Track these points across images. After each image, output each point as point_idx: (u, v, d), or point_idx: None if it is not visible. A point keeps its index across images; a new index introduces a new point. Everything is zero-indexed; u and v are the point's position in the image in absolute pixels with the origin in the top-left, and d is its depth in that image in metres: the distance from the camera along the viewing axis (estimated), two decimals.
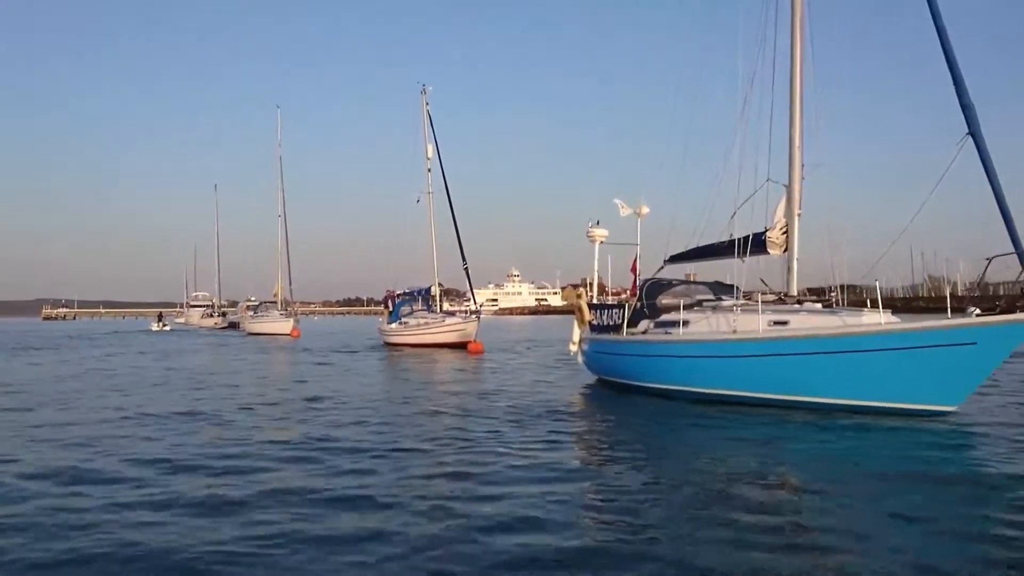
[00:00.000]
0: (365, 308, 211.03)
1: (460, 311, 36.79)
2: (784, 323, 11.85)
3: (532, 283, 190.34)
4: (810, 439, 9.52)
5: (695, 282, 14.93)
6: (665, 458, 8.68)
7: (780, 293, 13.19)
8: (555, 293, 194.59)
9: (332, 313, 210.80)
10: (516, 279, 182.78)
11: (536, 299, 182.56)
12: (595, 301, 16.72)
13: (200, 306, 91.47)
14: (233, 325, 68.15)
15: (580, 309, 15.99)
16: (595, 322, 15.84)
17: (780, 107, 13.21)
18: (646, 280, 15.11)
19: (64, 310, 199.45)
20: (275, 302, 57.19)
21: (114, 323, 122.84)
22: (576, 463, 8.25)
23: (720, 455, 8.53)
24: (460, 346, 30.09)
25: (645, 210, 16.67)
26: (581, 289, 16.43)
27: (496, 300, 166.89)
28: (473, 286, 32.84)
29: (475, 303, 32.09)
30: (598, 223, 16.85)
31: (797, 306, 12.63)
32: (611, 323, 15.11)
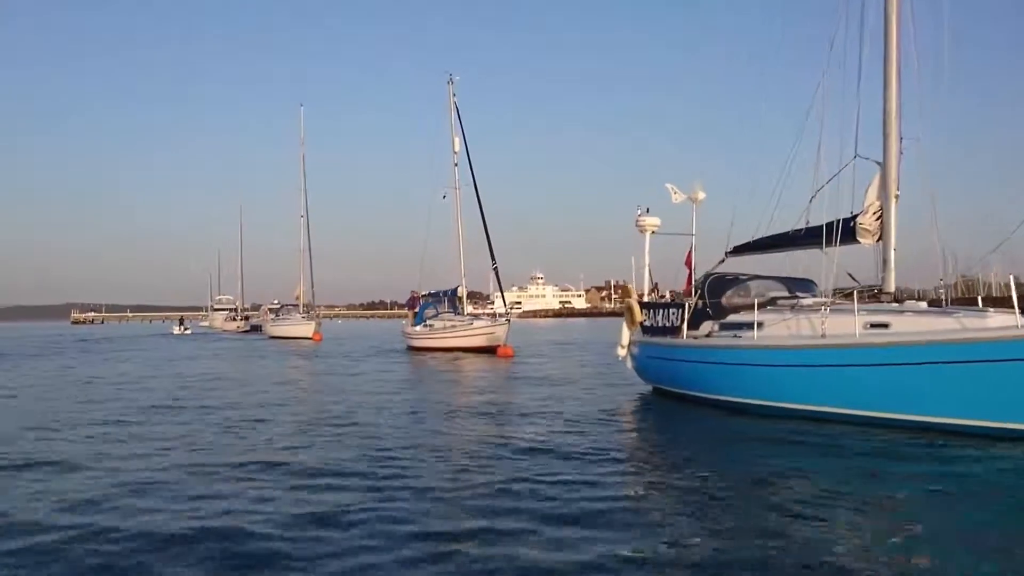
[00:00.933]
0: (388, 311, 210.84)
1: (484, 313, 34.88)
2: (884, 326, 9.87)
3: (556, 285, 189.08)
4: (927, 468, 7.57)
5: (766, 277, 12.94)
6: (742, 487, 6.81)
7: (873, 289, 11.21)
8: (579, 295, 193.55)
9: (356, 316, 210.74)
10: (540, 281, 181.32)
11: (560, 302, 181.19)
12: (647, 299, 14.77)
13: (223, 310, 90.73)
14: (256, 328, 66.97)
15: (630, 309, 14.08)
16: (648, 323, 13.92)
17: (870, 72, 11.25)
18: (707, 275, 13.17)
19: (92, 314, 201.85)
20: (297, 305, 55.83)
21: (140, 327, 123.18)
22: (641, 497, 6.40)
23: (813, 488, 6.65)
24: (488, 350, 28.28)
25: (701, 195, 14.72)
26: (631, 286, 14.50)
27: (520, 303, 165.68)
28: (502, 288, 30.97)
29: (504, 305, 30.29)
30: (648, 211, 14.91)
31: (896, 305, 10.65)
32: (667, 324, 13.19)
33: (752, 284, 12.66)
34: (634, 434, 10.39)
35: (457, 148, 32.55)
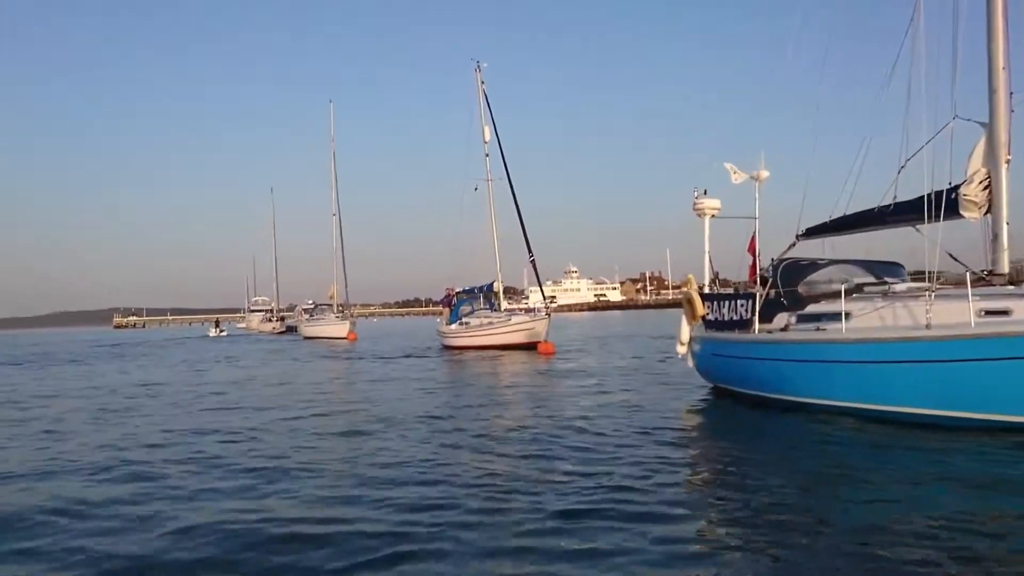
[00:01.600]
0: (423, 308, 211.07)
1: (519, 309, 33.52)
2: (1003, 312, 8.35)
3: (590, 279, 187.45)
4: None
5: (847, 261, 11.41)
6: (843, 509, 5.40)
7: (983, 271, 9.66)
8: (614, 288, 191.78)
9: (391, 314, 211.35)
10: (574, 275, 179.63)
11: (595, 295, 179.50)
12: (708, 290, 13.31)
13: (260, 311, 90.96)
14: (291, 329, 66.64)
15: (691, 301, 12.64)
16: (711, 317, 12.48)
17: (972, 14, 9.66)
18: (780, 261, 11.67)
19: (134, 318, 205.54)
20: (331, 304, 55.19)
21: (179, 330, 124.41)
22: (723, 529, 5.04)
23: (935, 511, 5.23)
24: (528, 347, 26.99)
25: (764, 174, 13.20)
26: (690, 275, 13.06)
27: (554, 297, 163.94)
28: (540, 280, 29.62)
29: (544, 298, 28.93)
30: (705, 192, 13.48)
31: (1013, 288, 9.10)
32: (734, 318, 11.74)
33: (832, 269, 11.14)
34: (708, 444, 8.98)
35: (488, 138, 31.29)
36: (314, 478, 7.59)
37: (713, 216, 13.40)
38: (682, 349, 13.24)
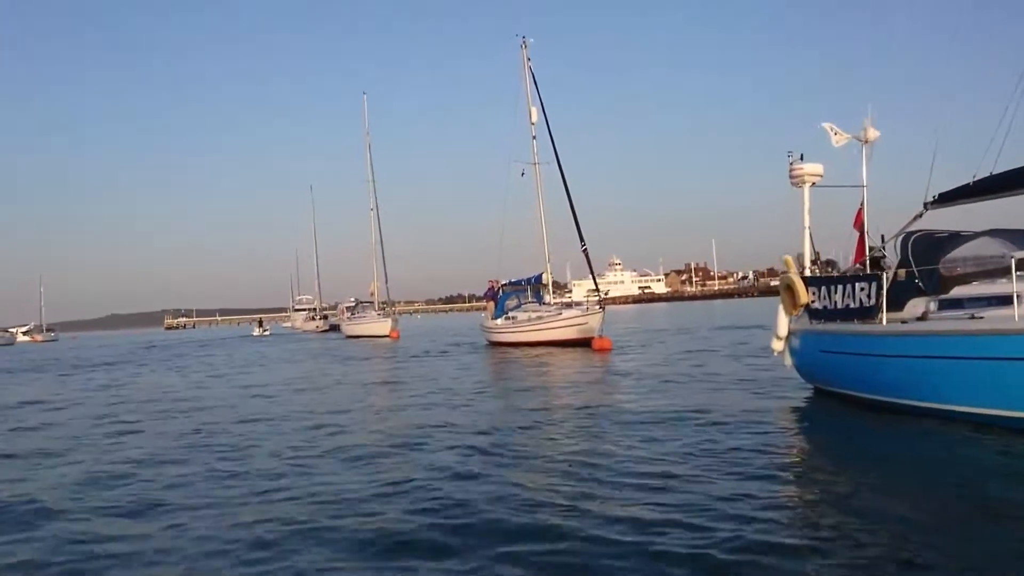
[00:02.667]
0: (466, 304, 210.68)
1: (565, 302, 31.25)
2: None
3: (634, 271, 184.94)
4: None
5: (996, 232, 9.10)
6: None
7: None
8: (658, 280, 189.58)
9: (435, 311, 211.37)
10: (618, 267, 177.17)
11: (639, 287, 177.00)
12: (811, 273, 11.06)
13: (303, 310, 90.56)
14: (335, 328, 65.68)
15: (791, 286, 10.45)
16: (817, 305, 10.28)
17: None
18: (908, 235, 9.43)
19: (184, 319, 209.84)
20: (372, 302, 53.83)
21: (226, 330, 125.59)
22: None
23: None
24: (581, 343, 24.90)
25: (873, 134, 10.94)
26: (788, 256, 10.85)
27: (608, 290, 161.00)
28: (593, 272, 27.42)
29: (598, 291, 26.79)
30: (802, 157, 11.24)
31: None
32: (850, 305, 9.53)
33: (982, 243, 8.86)
34: (832, 475, 6.83)
35: (535, 119, 29.17)
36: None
37: (814, 184, 11.16)
38: (779, 345, 11.05)
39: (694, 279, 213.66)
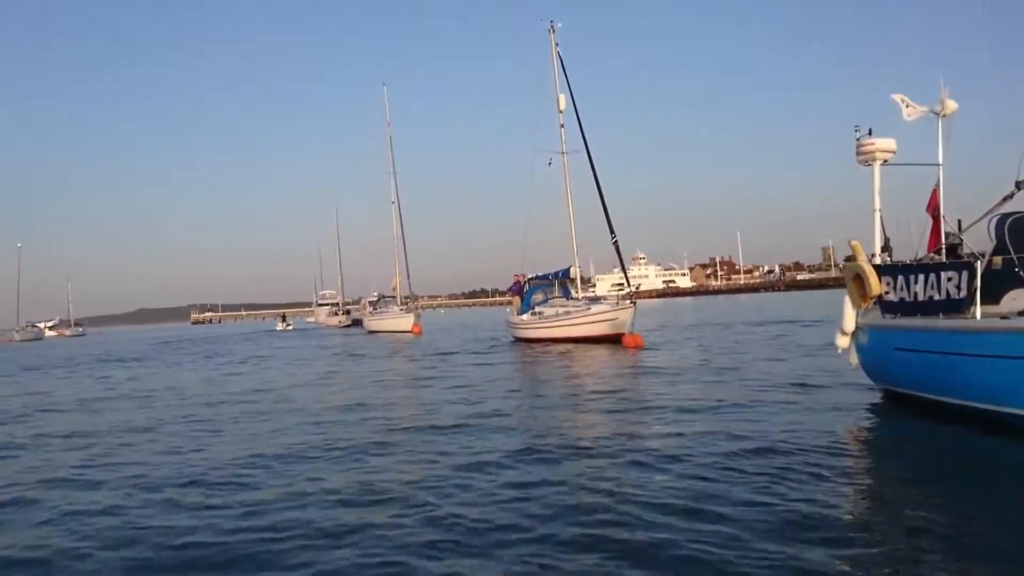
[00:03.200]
0: (489, 299, 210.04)
1: (587, 298, 29.93)
2: None
3: (658, 265, 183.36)
4: None
5: None
6: None
7: None
8: (683, 274, 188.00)
9: (458, 306, 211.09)
10: (642, 261, 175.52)
11: (664, 281, 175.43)
12: (880, 261, 9.83)
13: (326, 304, 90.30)
14: (356, 323, 65.08)
15: (862, 274, 9.23)
16: (892, 297, 9.08)
17: None
18: (1003, 218, 8.20)
19: (209, 315, 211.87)
20: (394, 297, 53.01)
21: (251, 325, 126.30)
22: None
23: None
24: (612, 339, 23.75)
25: (951, 105, 9.69)
26: (856, 242, 9.62)
27: (622, 285, 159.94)
28: (624, 264, 26.17)
29: (629, 285, 25.59)
30: (870, 132, 10.00)
31: None
32: (934, 297, 8.32)
33: None
34: (921, 497, 5.69)
35: (563, 106, 27.96)
36: None
37: (885, 162, 9.92)
38: (844, 341, 9.85)
39: (719, 273, 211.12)
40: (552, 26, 28.22)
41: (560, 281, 28.92)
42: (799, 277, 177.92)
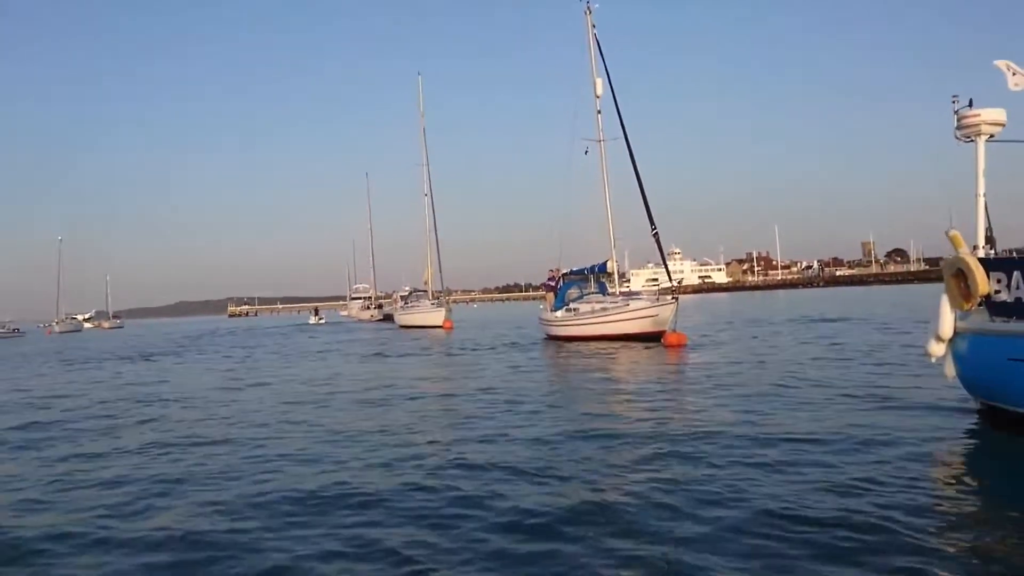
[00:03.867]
0: (523, 294, 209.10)
1: (624, 294, 28.35)
2: None
3: (694, 260, 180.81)
4: None
5: None
6: None
7: None
8: (719, 270, 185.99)
9: (492, 300, 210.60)
10: (677, 256, 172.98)
11: (699, 276, 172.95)
12: (984, 254, 8.28)
13: (359, 298, 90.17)
14: (388, 317, 64.40)
15: (965, 270, 7.71)
16: (1004, 297, 7.56)
17: None
18: None
19: (246, 307, 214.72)
20: (425, 291, 52.01)
21: (287, 318, 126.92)
22: None
23: None
24: (651, 337, 22.31)
25: None
26: (955, 231, 8.09)
27: (656, 280, 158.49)
28: (665, 257, 24.60)
29: (670, 279, 24.06)
30: (971, 104, 8.44)
31: None
32: None
33: None
34: None
35: (600, 92, 26.42)
36: None
37: (991, 137, 8.36)
38: (939, 348, 8.33)
39: (756, 268, 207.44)
40: (588, 7, 26.72)
41: (596, 276, 27.45)
42: (838, 273, 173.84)
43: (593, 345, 22.69)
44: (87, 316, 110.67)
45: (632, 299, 24.63)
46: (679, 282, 24.51)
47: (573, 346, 23.26)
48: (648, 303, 23.28)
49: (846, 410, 9.27)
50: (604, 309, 24.51)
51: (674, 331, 21.29)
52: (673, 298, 22.37)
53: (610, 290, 27.22)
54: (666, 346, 20.71)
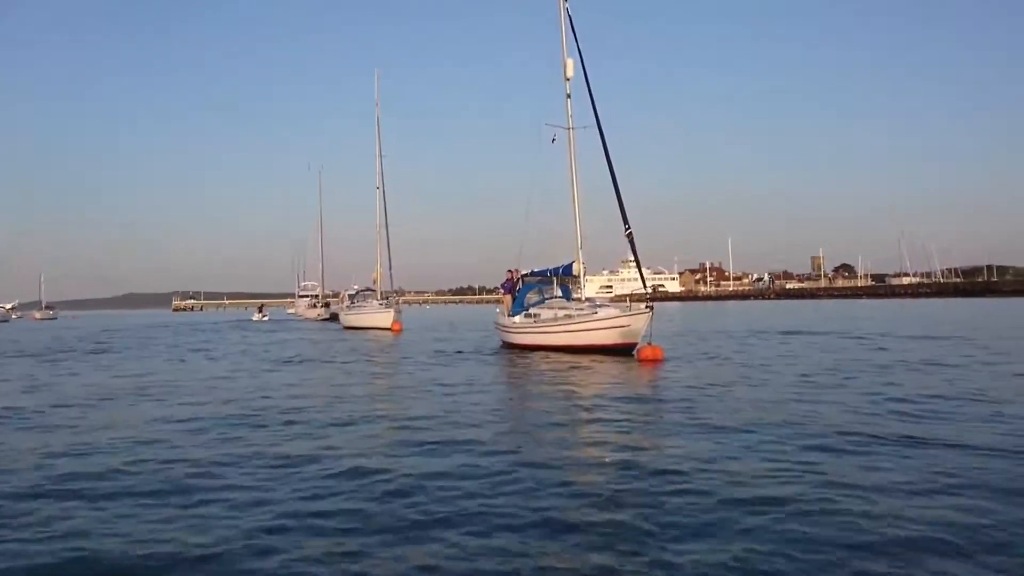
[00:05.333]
0: (476, 296, 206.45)
1: (586, 300, 25.69)
2: None
3: (648, 269, 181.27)
4: None
5: None
6: None
7: None
8: (673, 279, 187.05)
9: (445, 302, 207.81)
10: (631, 265, 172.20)
11: (653, 285, 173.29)
12: None
13: (307, 296, 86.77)
14: (335, 317, 61.12)
15: None
16: None
17: None
18: None
19: (192, 302, 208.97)
20: (374, 290, 48.78)
21: (233, 314, 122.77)
22: None
23: None
24: (622, 350, 19.69)
25: None
26: None
27: (610, 287, 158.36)
28: (639, 260, 21.92)
29: (645, 286, 21.45)
30: None
31: None
32: None
33: None
34: None
35: (571, 73, 23.70)
36: None
37: None
38: None
39: (708, 279, 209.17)
40: None
41: (560, 279, 24.66)
42: (788, 286, 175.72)
43: (554, 356, 19.93)
44: (10, 306, 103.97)
45: (600, 307, 21.94)
46: (654, 288, 21.84)
47: (533, 356, 20.49)
48: (618, 312, 20.63)
49: (873, 447, 6.64)
50: (569, 316, 21.76)
51: (649, 344, 18.65)
52: (647, 307, 19.75)
53: (574, 295, 24.51)
54: (640, 361, 18.08)
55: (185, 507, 5.90)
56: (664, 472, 6.68)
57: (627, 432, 8.96)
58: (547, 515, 5.49)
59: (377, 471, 6.98)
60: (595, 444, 8.34)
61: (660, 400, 11.81)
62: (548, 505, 5.77)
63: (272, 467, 7.29)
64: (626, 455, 7.54)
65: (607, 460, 7.42)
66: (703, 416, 9.80)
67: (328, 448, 8.20)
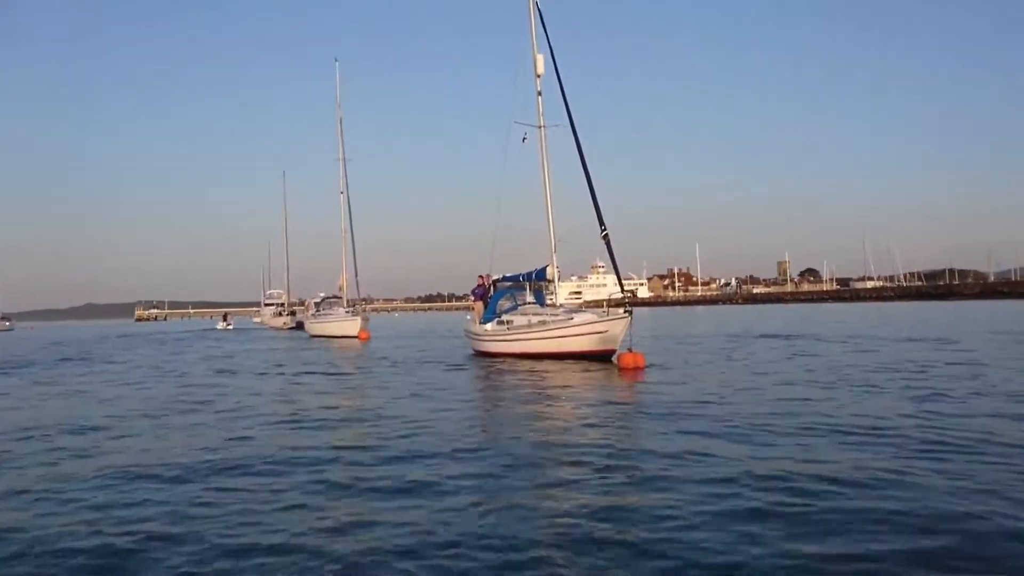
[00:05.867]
0: (446, 304, 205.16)
1: (561, 305, 24.79)
2: None
3: None
4: None
5: None
6: None
7: None
8: (641, 284, 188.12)
9: (414, 309, 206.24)
10: (600, 270, 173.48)
11: (630, 290, 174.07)
12: None
13: (273, 304, 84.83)
14: (301, 325, 59.57)
15: None
16: None
17: None
18: None
19: (155, 311, 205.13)
20: (340, 297, 47.42)
21: (197, 323, 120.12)
22: None
23: None
24: (599, 357, 18.79)
25: None
26: None
27: (580, 293, 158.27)
28: (616, 263, 21.03)
29: (623, 290, 20.59)
30: None
31: None
32: None
33: None
34: None
35: (541, 70, 22.83)
36: None
37: None
38: None
39: (676, 284, 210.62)
40: None
41: (533, 284, 23.69)
42: (755, 291, 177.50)
43: (528, 364, 18.94)
44: None
45: (576, 312, 21.01)
46: (632, 293, 21.04)
47: (506, 364, 19.47)
48: (595, 317, 19.72)
49: (910, 461, 5.77)
50: (543, 323, 20.80)
51: (630, 350, 17.75)
52: (626, 311, 18.88)
53: (548, 300, 23.57)
54: (620, 368, 17.17)
55: None
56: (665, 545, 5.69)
57: (630, 486, 7.96)
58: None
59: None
60: (574, 465, 7.34)
61: (644, 412, 10.85)
62: None
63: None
64: (609, 498, 6.55)
65: (582, 503, 6.42)
66: (682, 422, 8.84)
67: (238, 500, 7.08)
